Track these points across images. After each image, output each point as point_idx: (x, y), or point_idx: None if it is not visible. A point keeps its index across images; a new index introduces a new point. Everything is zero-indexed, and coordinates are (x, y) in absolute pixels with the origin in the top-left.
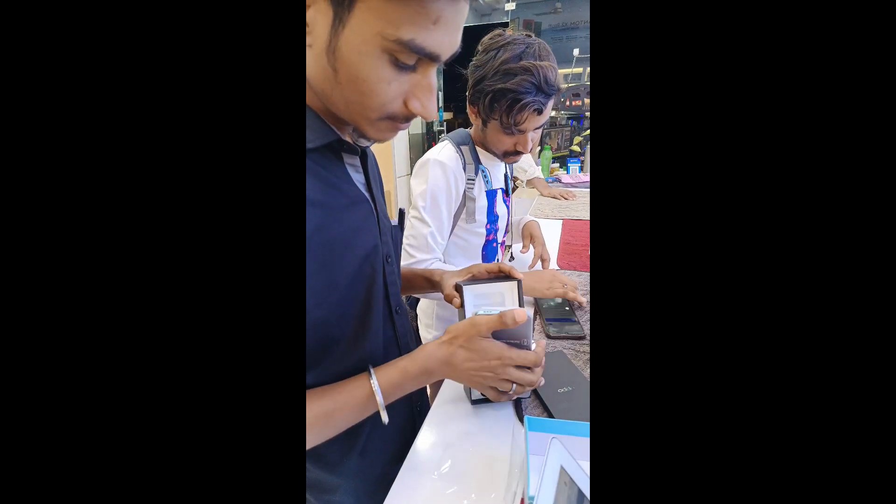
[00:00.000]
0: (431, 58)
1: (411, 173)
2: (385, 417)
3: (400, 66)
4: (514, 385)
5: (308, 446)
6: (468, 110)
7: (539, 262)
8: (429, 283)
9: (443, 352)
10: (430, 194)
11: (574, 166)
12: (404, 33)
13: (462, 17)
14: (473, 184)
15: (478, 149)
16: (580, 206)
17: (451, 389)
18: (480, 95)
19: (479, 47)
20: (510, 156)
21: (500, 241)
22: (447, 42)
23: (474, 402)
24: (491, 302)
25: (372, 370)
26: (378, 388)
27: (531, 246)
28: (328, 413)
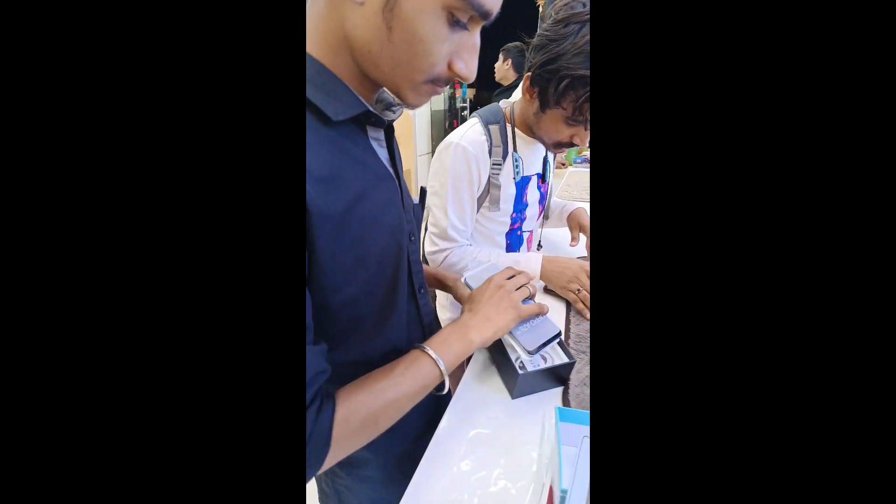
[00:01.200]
0: (484, 15)
1: (432, 151)
2: (448, 384)
3: (454, 24)
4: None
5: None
6: (523, 89)
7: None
8: (440, 283)
9: (465, 313)
10: (451, 185)
11: None
12: None
13: None
14: (500, 169)
15: (517, 131)
16: None
17: (475, 372)
18: (552, 77)
19: (553, 13)
20: (561, 147)
21: (529, 229)
22: (498, 0)
23: (515, 397)
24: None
25: (425, 346)
26: (438, 357)
27: (581, 237)
28: (393, 388)
